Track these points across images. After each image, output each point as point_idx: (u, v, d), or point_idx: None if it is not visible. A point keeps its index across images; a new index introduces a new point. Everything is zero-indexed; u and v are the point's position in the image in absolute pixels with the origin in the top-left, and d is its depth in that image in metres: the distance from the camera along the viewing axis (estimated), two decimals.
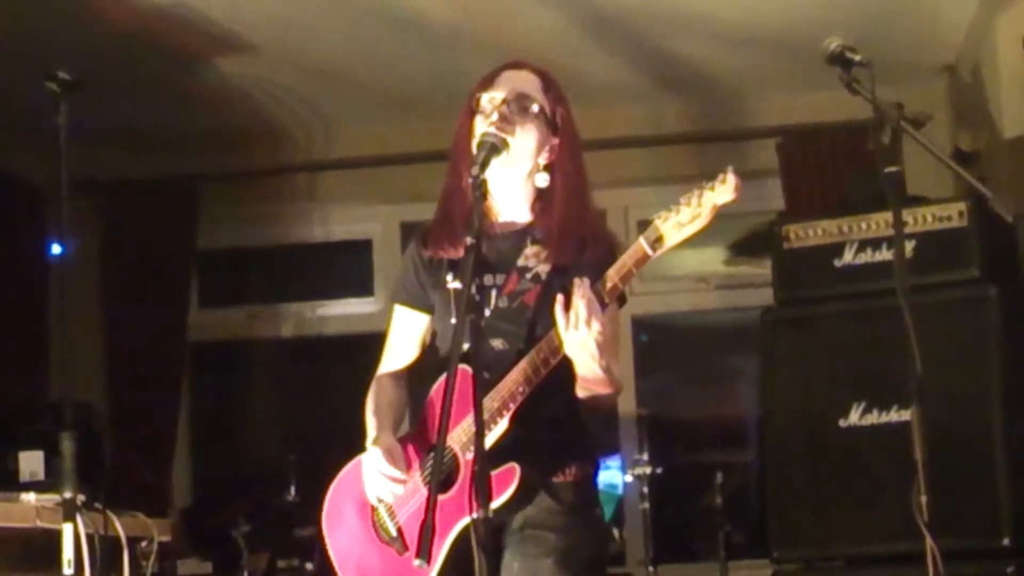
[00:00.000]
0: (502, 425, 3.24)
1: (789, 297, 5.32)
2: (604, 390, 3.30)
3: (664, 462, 5.91)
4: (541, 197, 3.46)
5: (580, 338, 3.13)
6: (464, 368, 3.08)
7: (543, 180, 3.43)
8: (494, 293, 3.37)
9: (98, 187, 6.92)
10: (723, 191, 3.16)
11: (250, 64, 6.22)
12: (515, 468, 3.20)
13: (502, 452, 3.20)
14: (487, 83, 3.45)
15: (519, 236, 3.45)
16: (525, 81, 3.45)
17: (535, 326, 3.33)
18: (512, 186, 3.44)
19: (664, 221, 3.19)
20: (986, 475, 4.75)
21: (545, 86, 3.46)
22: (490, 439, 3.17)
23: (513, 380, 3.24)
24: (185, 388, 7.13)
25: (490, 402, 3.22)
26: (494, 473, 3.16)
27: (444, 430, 2.90)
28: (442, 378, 3.23)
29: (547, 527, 3.30)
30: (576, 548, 3.32)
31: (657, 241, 3.19)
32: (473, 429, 3.13)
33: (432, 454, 3.27)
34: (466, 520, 3.13)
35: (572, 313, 3.12)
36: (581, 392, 3.32)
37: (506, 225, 3.47)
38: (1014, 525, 4.71)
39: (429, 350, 3.59)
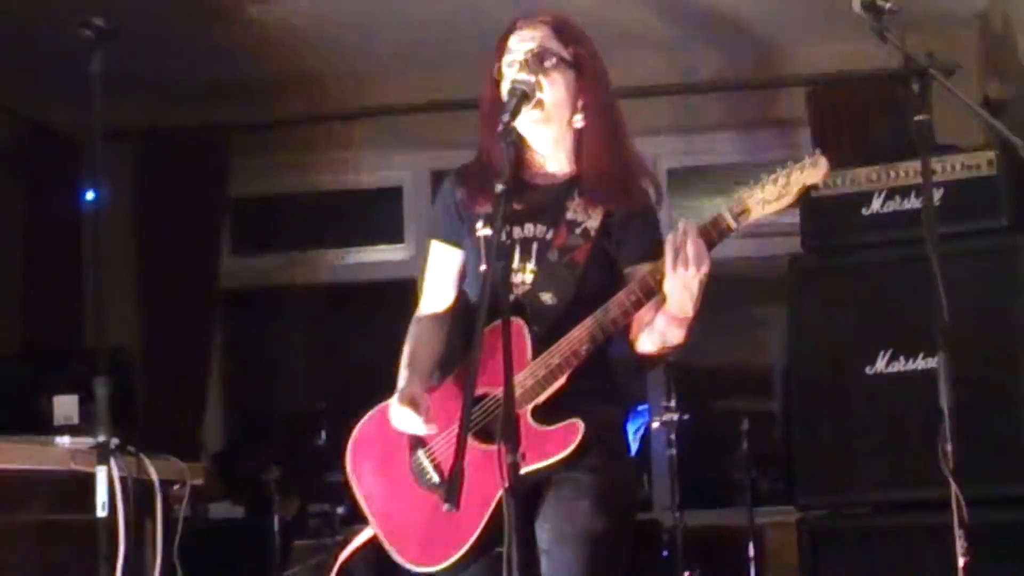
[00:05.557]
0: (560, 381, 3.27)
1: (817, 245, 5.33)
2: (677, 340, 3.32)
3: (691, 409, 5.95)
4: (581, 143, 3.45)
5: (687, 277, 3.16)
6: (515, 320, 3.10)
7: (580, 121, 3.42)
8: (535, 246, 3.37)
9: (132, 135, 6.95)
10: (813, 173, 3.22)
11: (282, 13, 6.23)
12: (578, 424, 3.24)
13: (548, 403, 3.26)
14: (501, 49, 3.43)
15: (565, 188, 3.44)
16: (537, 37, 3.39)
17: (584, 283, 3.35)
18: (553, 140, 3.43)
19: (749, 196, 3.22)
20: (1011, 422, 4.78)
21: (557, 32, 3.41)
22: (547, 394, 3.25)
23: (577, 338, 3.26)
24: (217, 334, 7.19)
25: (550, 358, 3.26)
26: (554, 428, 3.24)
27: (471, 380, 2.94)
28: (491, 327, 3.13)
29: (582, 469, 3.31)
30: (611, 490, 3.34)
31: (742, 214, 3.22)
32: (526, 382, 3.23)
33: (479, 404, 3.29)
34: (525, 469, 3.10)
35: (683, 253, 3.15)
36: (651, 344, 3.34)
37: (549, 176, 3.46)
38: None
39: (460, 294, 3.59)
